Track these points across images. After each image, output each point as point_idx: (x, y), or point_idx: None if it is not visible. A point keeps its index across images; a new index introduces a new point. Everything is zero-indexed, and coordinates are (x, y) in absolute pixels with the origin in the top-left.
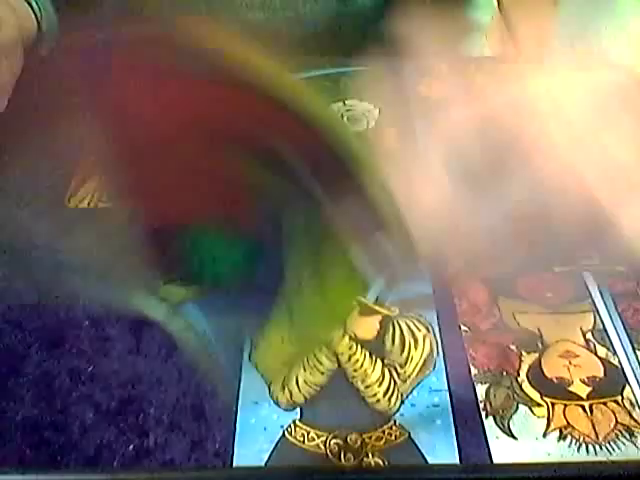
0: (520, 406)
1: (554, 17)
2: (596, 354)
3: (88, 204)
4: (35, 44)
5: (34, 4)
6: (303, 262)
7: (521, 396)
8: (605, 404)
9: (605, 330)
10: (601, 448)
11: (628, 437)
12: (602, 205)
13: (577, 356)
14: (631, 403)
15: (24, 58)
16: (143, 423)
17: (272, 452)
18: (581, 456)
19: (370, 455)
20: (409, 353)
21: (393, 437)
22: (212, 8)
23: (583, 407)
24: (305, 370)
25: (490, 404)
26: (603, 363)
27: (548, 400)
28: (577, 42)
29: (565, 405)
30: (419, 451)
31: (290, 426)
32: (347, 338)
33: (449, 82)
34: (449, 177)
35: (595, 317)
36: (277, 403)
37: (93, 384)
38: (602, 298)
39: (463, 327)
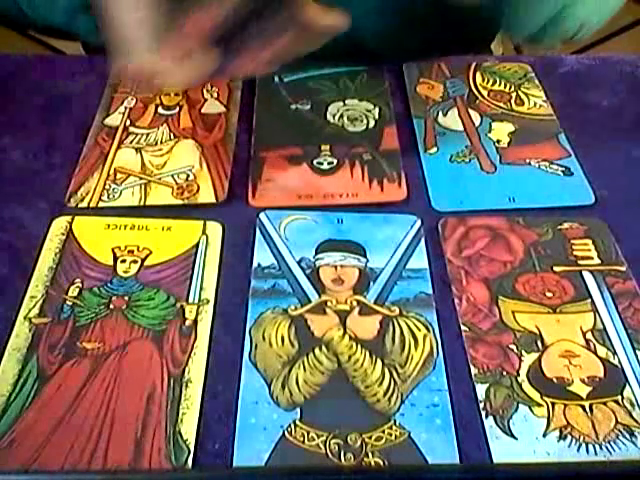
0: (520, 406)
1: None
2: (596, 354)
3: (88, 203)
4: None
5: None
6: None
7: (521, 396)
8: (605, 404)
9: (605, 330)
10: (601, 448)
11: (628, 437)
12: None
13: (577, 356)
14: (631, 403)
15: None
16: None
17: (272, 452)
18: (581, 456)
19: (370, 455)
20: (409, 353)
21: (393, 437)
22: None
23: (583, 407)
24: (305, 370)
25: (490, 404)
26: (603, 363)
27: (548, 400)
28: None
29: (565, 405)
30: (419, 451)
31: (290, 426)
32: (347, 338)
33: None
34: None
35: (595, 317)
36: (277, 403)
37: None
38: (602, 298)
39: (463, 327)
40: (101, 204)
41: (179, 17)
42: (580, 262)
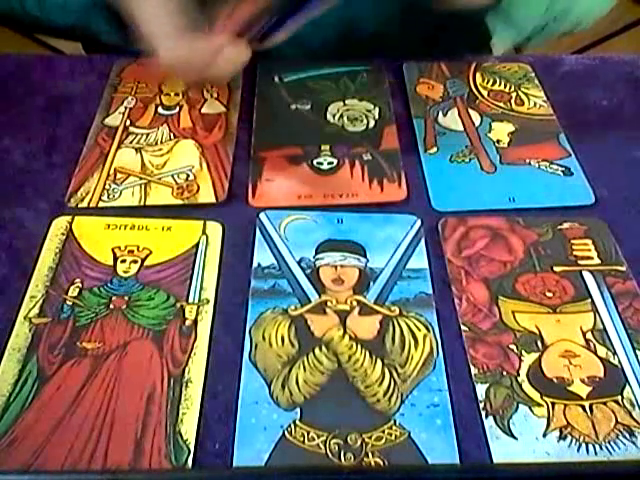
0: (520, 406)
1: None
2: (596, 354)
3: (88, 203)
4: None
5: None
6: None
7: (521, 396)
8: (605, 404)
9: (605, 330)
10: (601, 448)
11: (628, 437)
12: None
13: (577, 356)
14: (631, 403)
15: None
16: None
17: (272, 452)
18: (581, 456)
19: (370, 455)
20: (409, 353)
21: (393, 437)
22: None
23: (583, 407)
24: (305, 370)
25: (490, 404)
26: (603, 363)
27: (548, 400)
28: None
29: (565, 405)
30: (419, 451)
31: (290, 426)
32: (347, 338)
33: None
34: None
35: (595, 317)
36: (277, 403)
37: None
38: (602, 298)
39: (463, 327)
40: (101, 204)
41: (209, 12)
42: (580, 262)
